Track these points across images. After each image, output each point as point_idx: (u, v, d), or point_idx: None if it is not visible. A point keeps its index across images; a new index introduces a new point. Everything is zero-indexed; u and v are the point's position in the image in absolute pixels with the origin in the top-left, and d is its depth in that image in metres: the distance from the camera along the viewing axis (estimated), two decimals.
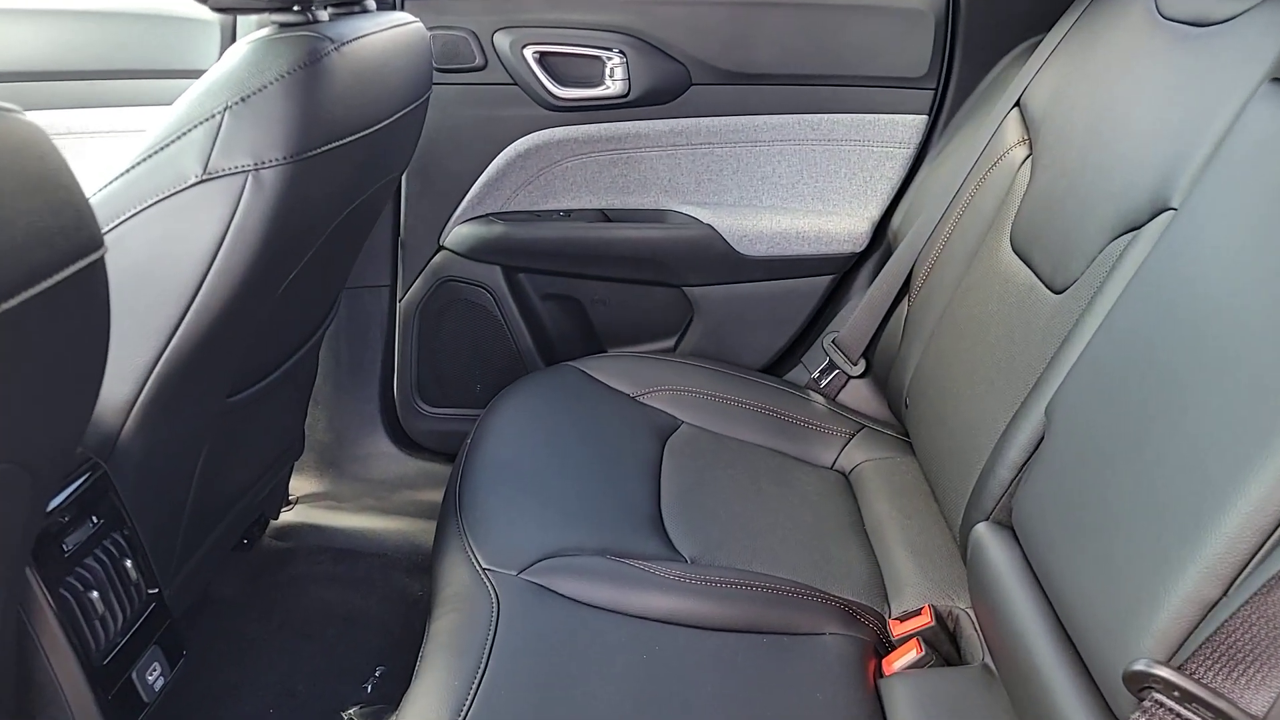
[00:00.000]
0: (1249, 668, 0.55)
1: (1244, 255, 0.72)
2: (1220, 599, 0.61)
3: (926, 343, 1.28)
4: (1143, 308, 0.80)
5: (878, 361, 1.44)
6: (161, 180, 0.87)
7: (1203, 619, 0.62)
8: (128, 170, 0.88)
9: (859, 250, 1.50)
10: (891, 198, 1.50)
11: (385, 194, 1.31)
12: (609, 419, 1.32)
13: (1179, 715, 0.57)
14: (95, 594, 0.83)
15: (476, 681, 0.86)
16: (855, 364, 1.46)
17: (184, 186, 0.86)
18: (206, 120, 0.87)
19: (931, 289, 1.32)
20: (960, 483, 1.05)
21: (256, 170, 0.86)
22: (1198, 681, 0.56)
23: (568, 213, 1.56)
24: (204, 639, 1.42)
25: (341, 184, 1.03)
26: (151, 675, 0.90)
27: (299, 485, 1.68)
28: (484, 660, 0.89)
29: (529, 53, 1.47)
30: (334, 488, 1.68)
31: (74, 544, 0.82)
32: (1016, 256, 1.13)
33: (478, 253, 1.57)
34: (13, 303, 0.47)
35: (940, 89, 1.45)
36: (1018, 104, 1.28)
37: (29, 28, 1.44)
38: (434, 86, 1.27)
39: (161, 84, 1.45)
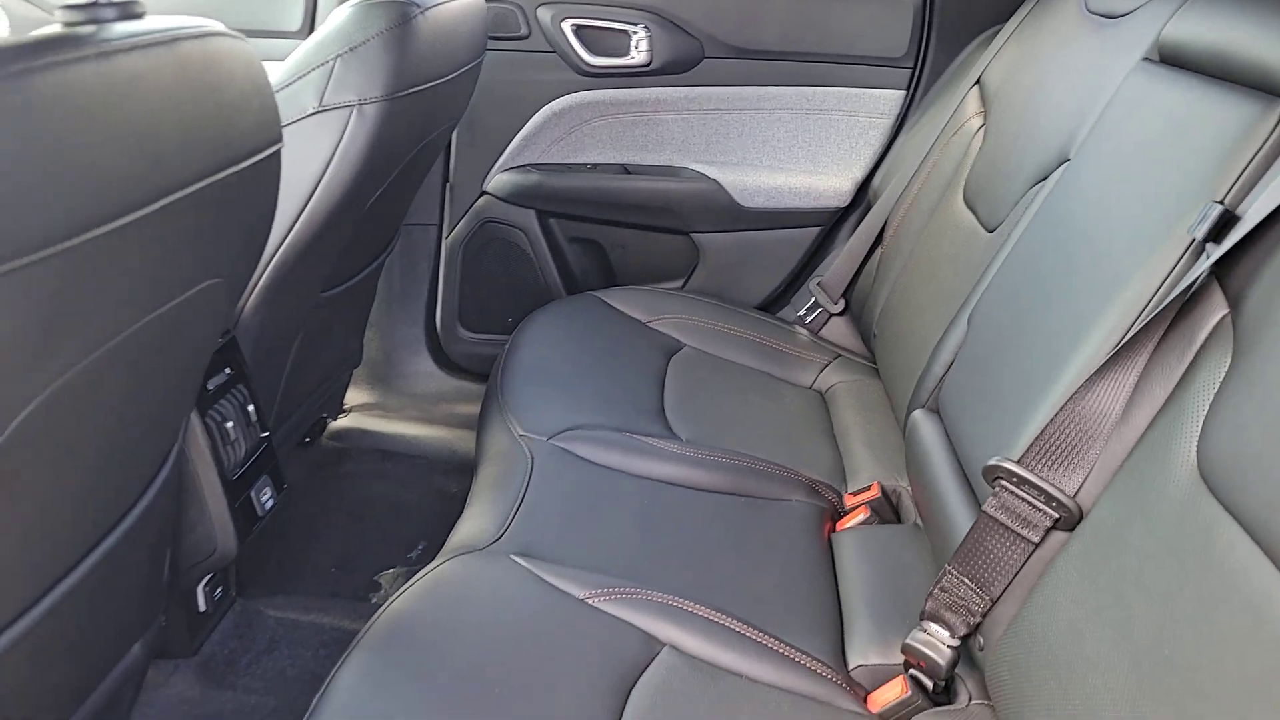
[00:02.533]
0: (1064, 460, 0.80)
1: (1109, 190, 0.96)
2: None
3: (893, 283, 1.52)
4: (1038, 232, 1.05)
5: (855, 301, 1.68)
6: (286, 111, 1.11)
7: None
8: None
9: (843, 205, 1.74)
10: (874, 161, 1.73)
11: (441, 141, 1.55)
12: (622, 337, 1.57)
13: (1017, 496, 0.82)
14: (230, 424, 1.09)
15: (515, 508, 1.11)
16: (836, 303, 1.69)
17: (303, 116, 1.11)
18: (321, 65, 1.12)
19: (900, 238, 1.56)
20: (906, 385, 1.29)
21: (360, 105, 1.11)
22: (1030, 470, 0.81)
23: (594, 166, 1.80)
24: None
25: (417, 123, 1.28)
26: (264, 496, 1.16)
27: (354, 396, 1.93)
28: (521, 496, 1.14)
29: (567, 25, 1.71)
30: (383, 399, 1.93)
31: (215, 385, 1.08)
32: (966, 207, 1.37)
33: (515, 198, 1.81)
34: (245, 165, 0.72)
35: (917, 68, 1.69)
36: (978, 82, 1.51)
37: None
38: (486, 51, 1.52)
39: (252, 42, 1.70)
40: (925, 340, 1.29)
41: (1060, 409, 0.79)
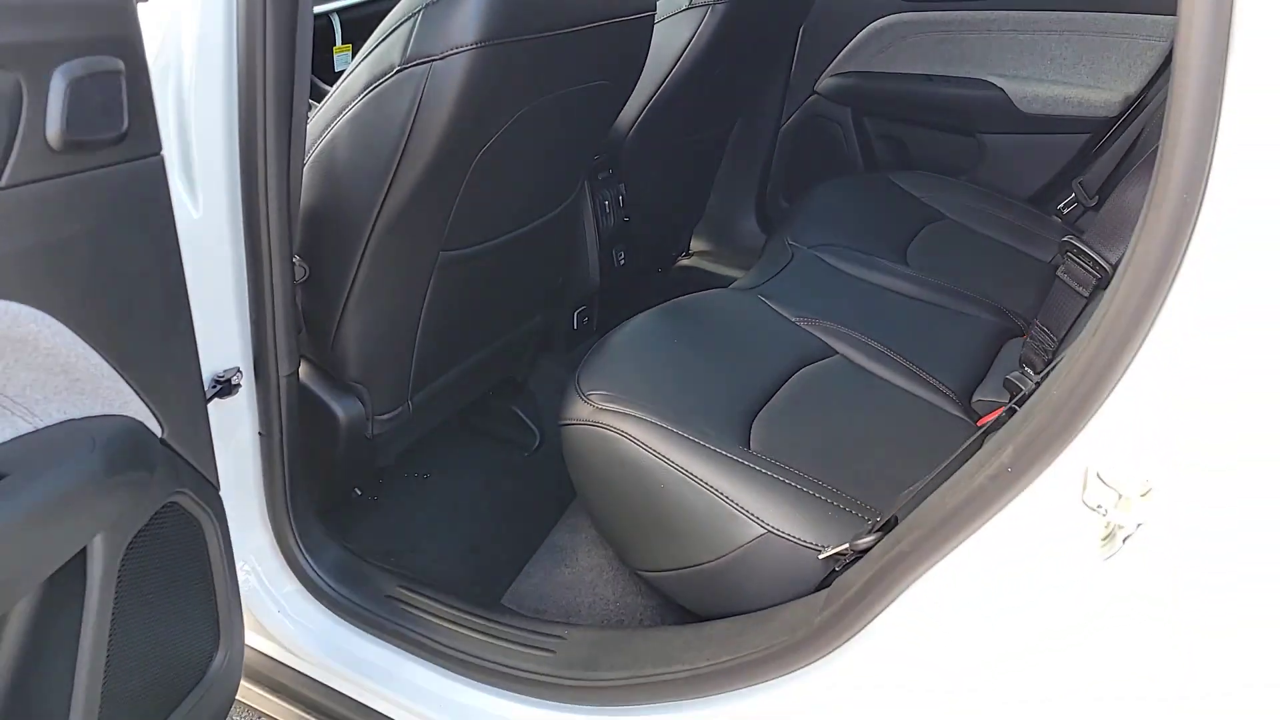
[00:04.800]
0: (1111, 237, 1.17)
1: None
2: None
3: (1132, 175, 1.80)
4: None
5: (1108, 196, 1.96)
6: (668, 10, 1.74)
7: None
8: None
9: (1112, 115, 2.01)
10: (1147, 78, 1.97)
11: (778, 46, 2.09)
12: (894, 202, 2.02)
13: (1076, 262, 1.20)
14: (606, 202, 1.76)
15: (770, 278, 1.65)
16: (1091, 198, 1.98)
17: (678, 11, 1.73)
18: None
19: (1146, 139, 1.83)
20: None
21: (714, 4, 1.70)
22: (1088, 244, 1.19)
23: (903, 75, 2.24)
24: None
25: (752, 23, 1.84)
26: (620, 256, 1.83)
27: (696, 244, 2.58)
28: (777, 272, 1.67)
29: None
30: (716, 248, 2.55)
31: (602, 177, 1.75)
32: None
33: (837, 98, 2.31)
34: (626, 18, 1.33)
35: None
36: None
37: None
38: None
39: None
40: None
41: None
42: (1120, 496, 0.65)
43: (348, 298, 1.23)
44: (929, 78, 2.22)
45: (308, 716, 1.26)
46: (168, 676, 0.91)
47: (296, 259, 1.18)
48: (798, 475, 1.09)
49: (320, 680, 1.24)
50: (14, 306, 0.67)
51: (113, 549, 0.78)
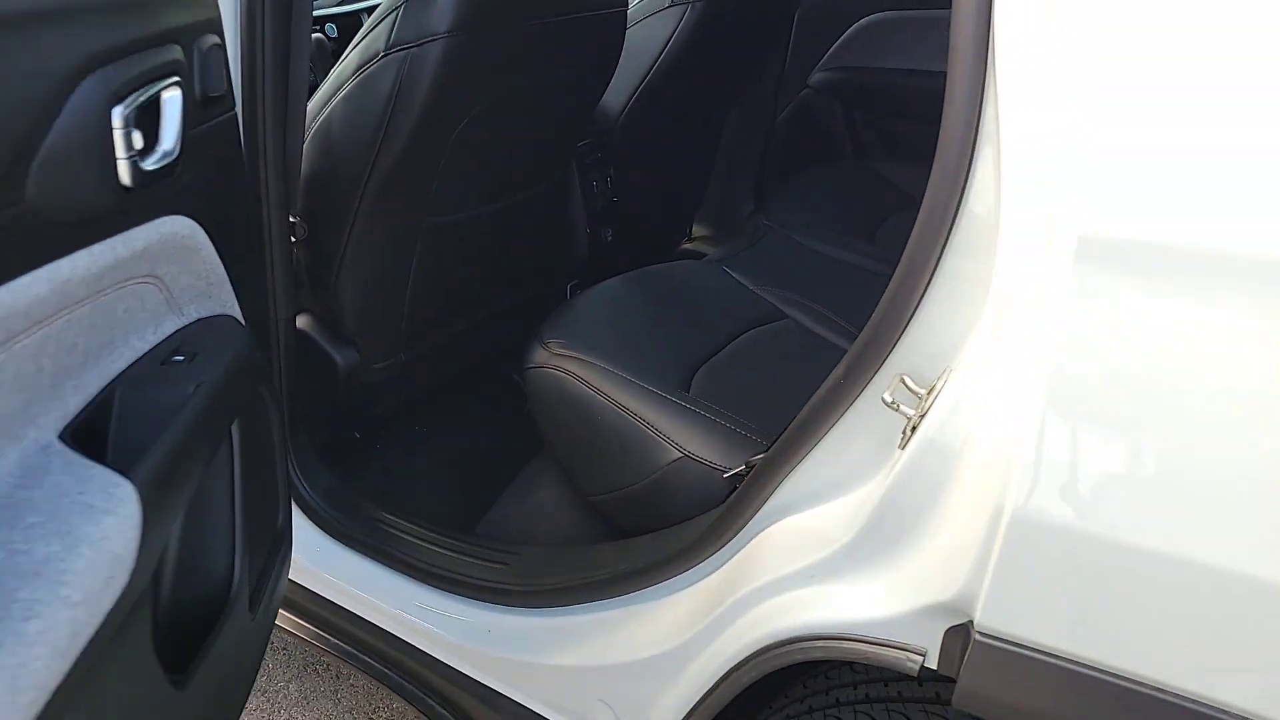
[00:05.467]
0: None
1: None
2: None
3: None
4: None
5: None
6: (649, 7, 1.89)
7: None
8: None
9: None
10: None
11: (765, 38, 2.23)
12: (867, 189, 2.15)
13: None
14: (595, 184, 1.92)
15: (737, 252, 1.80)
16: None
17: (659, 9, 1.88)
18: None
19: None
20: None
21: (693, 3, 1.85)
22: None
23: (889, 70, 2.36)
24: None
25: (726, 21, 1.98)
26: (608, 234, 1.99)
27: (697, 229, 2.72)
28: (746, 248, 1.82)
29: None
30: (715, 233, 2.69)
31: (589, 160, 1.92)
32: None
33: (828, 91, 2.44)
34: (593, 13, 1.49)
35: None
36: None
37: None
38: None
39: None
40: None
41: None
42: (916, 396, 0.79)
43: (343, 256, 1.41)
44: (913, 72, 2.34)
45: (301, 622, 1.45)
46: (262, 529, 1.09)
47: (298, 220, 1.37)
48: (719, 411, 1.24)
49: (314, 590, 1.43)
50: (190, 222, 0.87)
51: (246, 420, 0.97)
